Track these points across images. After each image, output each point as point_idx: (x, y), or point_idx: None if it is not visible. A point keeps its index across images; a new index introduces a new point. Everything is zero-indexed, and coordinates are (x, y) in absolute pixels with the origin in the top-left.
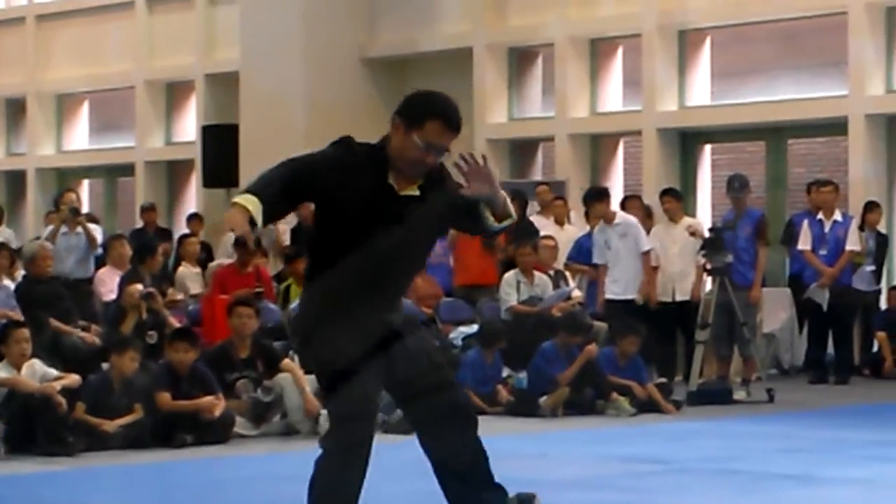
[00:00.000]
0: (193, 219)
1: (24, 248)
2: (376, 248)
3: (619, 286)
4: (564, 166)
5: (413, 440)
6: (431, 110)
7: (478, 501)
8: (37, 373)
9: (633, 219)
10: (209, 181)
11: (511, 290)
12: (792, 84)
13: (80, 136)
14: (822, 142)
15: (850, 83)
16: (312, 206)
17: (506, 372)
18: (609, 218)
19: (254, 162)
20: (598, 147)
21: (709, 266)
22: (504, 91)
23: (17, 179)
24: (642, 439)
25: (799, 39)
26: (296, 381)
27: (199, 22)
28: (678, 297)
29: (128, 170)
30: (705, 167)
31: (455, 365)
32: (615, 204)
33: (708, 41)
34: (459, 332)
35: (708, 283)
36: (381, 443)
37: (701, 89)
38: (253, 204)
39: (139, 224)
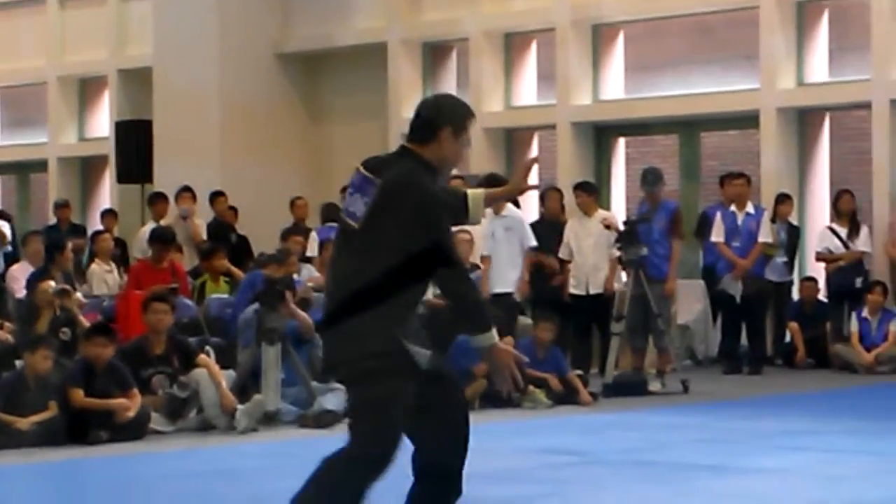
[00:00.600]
0: (107, 215)
1: None
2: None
3: (497, 279)
4: (479, 160)
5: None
6: (468, 110)
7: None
8: None
9: (519, 213)
10: (123, 177)
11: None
12: (704, 78)
13: None
14: (735, 135)
15: (761, 77)
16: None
17: None
18: (497, 209)
19: (168, 157)
20: (512, 141)
21: (623, 259)
22: (419, 86)
23: None
24: (559, 431)
25: (711, 34)
26: (211, 376)
27: (112, 17)
28: (592, 291)
29: (40, 166)
30: (619, 160)
31: None
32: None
33: (621, 35)
34: None
35: (622, 275)
36: (301, 437)
37: (615, 83)
38: None
39: (52, 221)
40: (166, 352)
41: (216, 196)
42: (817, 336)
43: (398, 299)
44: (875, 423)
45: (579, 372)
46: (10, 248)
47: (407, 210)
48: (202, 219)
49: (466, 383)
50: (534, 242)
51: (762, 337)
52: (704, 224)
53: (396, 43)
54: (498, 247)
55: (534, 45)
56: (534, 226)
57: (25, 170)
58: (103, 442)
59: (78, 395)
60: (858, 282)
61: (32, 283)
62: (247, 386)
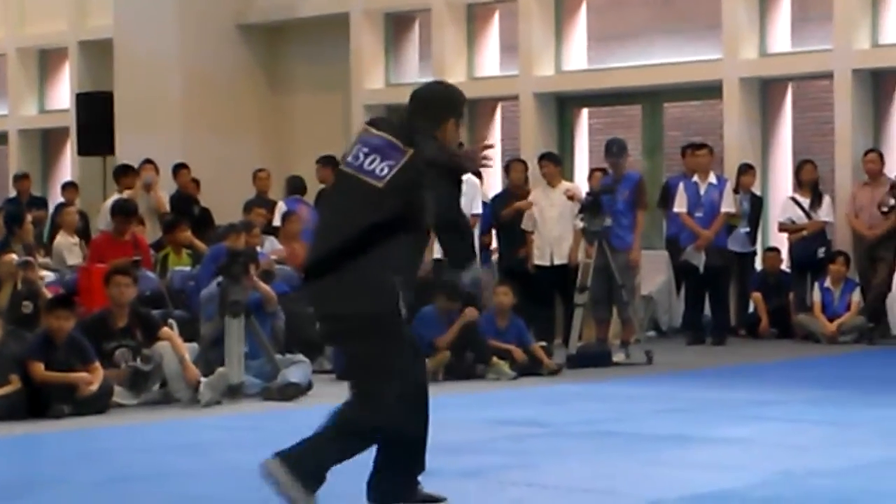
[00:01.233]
0: (69, 187)
1: None
2: None
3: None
4: None
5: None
6: (462, 97)
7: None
8: None
9: (475, 180)
10: (84, 149)
11: None
12: (667, 48)
13: None
14: (698, 105)
15: (724, 47)
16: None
17: None
18: None
19: (129, 129)
20: (475, 112)
21: (587, 230)
22: (381, 57)
23: None
24: (523, 403)
25: (674, 4)
26: (174, 349)
27: None
28: (556, 261)
29: (0, 138)
30: (582, 131)
31: None
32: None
33: (584, 6)
34: None
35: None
36: (264, 410)
37: (577, 54)
38: None
39: (12, 193)
40: (129, 325)
41: (179, 168)
42: (780, 306)
43: (407, 258)
44: (837, 393)
45: (543, 343)
46: None
47: (442, 188)
48: (165, 191)
49: (429, 355)
50: (477, 210)
51: (725, 307)
52: (667, 195)
53: (359, 13)
54: None
55: (496, 16)
56: (498, 197)
57: None
58: (65, 416)
59: (38, 368)
60: (821, 252)
61: None
62: (210, 359)
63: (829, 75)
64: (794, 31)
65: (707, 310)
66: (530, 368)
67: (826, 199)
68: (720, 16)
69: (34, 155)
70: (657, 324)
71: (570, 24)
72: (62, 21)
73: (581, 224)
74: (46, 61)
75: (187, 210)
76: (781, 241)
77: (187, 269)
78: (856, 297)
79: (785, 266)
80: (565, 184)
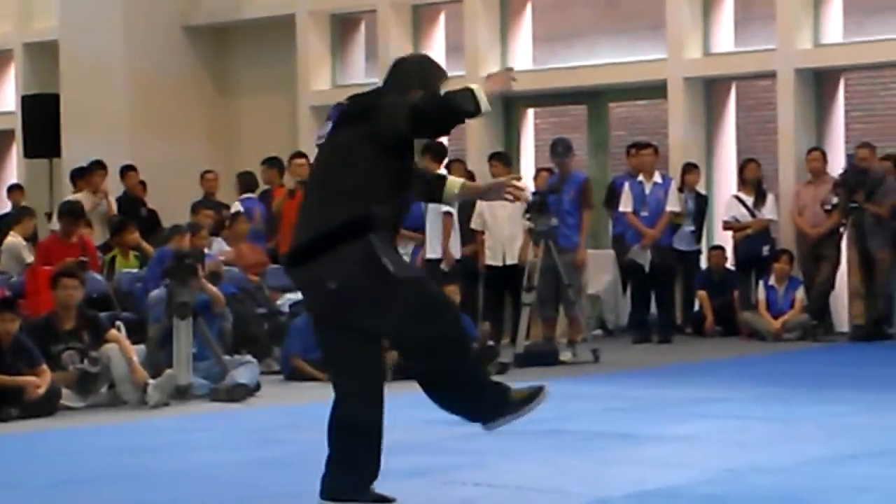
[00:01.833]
0: (14, 190)
1: None
2: None
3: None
4: None
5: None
6: (437, 70)
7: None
8: None
9: None
10: (30, 151)
11: None
12: (612, 48)
13: None
14: (643, 105)
15: (668, 47)
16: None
17: None
18: None
19: (75, 131)
20: None
21: (534, 230)
22: (327, 58)
23: None
24: None
25: (618, 4)
26: (122, 351)
27: None
28: (508, 261)
29: None
30: (528, 131)
31: (283, 332)
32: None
33: (529, 6)
34: (287, 299)
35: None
36: (213, 411)
37: (523, 54)
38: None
39: None
40: (76, 327)
41: (126, 170)
42: (725, 304)
43: (381, 191)
44: (782, 390)
45: (490, 343)
46: None
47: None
48: (112, 194)
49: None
50: (444, 208)
51: (671, 306)
52: (613, 194)
53: (304, 15)
54: (430, 215)
55: (442, 17)
56: None
57: None
58: (13, 419)
59: None
60: (765, 250)
61: None
62: (158, 361)
63: (772, 75)
64: (737, 30)
65: (653, 308)
66: None
67: (770, 198)
68: (664, 16)
69: None
70: (604, 322)
71: (515, 25)
72: (7, 23)
73: (528, 224)
74: None
75: (134, 212)
76: (726, 240)
77: (135, 271)
78: (800, 294)
79: (730, 264)
80: None
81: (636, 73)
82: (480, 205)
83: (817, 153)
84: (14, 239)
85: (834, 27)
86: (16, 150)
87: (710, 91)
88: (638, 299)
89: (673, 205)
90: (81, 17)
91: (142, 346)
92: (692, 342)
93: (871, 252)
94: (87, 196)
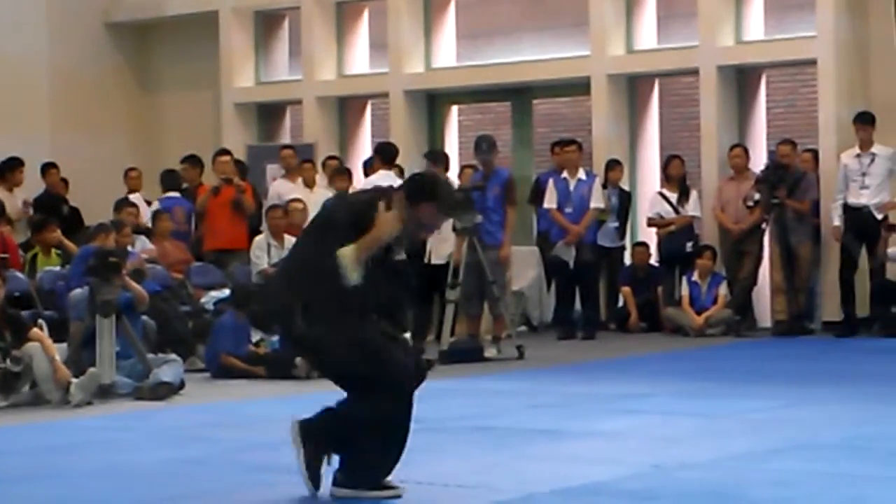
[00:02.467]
0: None
1: None
2: None
3: None
4: (312, 129)
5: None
6: (438, 187)
7: None
8: None
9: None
10: None
11: (262, 254)
12: (536, 45)
13: None
14: (566, 102)
15: (591, 44)
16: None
17: (257, 335)
18: (340, 183)
19: None
20: (345, 110)
21: (458, 227)
22: (251, 55)
23: None
24: None
25: (542, 1)
26: (44, 349)
27: None
28: (435, 261)
29: None
30: (452, 128)
31: (207, 330)
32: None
33: (453, 3)
34: (211, 297)
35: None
36: (136, 410)
37: (447, 51)
38: None
39: None
40: None
41: (48, 167)
42: (649, 300)
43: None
44: (706, 385)
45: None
46: None
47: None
48: (33, 191)
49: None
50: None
51: (595, 302)
52: (538, 191)
53: (228, 12)
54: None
55: (366, 14)
56: None
57: None
58: None
59: None
60: (689, 246)
61: None
62: (81, 359)
63: (694, 72)
64: (660, 28)
65: (578, 305)
66: None
67: (693, 194)
68: (588, 13)
69: None
70: (528, 319)
71: (439, 22)
72: None
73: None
74: None
75: (56, 210)
76: (650, 236)
77: (57, 269)
78: (723, 290)
79: (653, 260)
80: None
81: (560, 69)
82: None
83: (739, 150)
84: None
85: (755, 25)
86: None
87: (634, 88)
88: (562, 296)
89: (597, 201)
90: (3, 14)
91: (64, 345)
92: (616, 338)
93: (793, 248)
94: (5, 194)
